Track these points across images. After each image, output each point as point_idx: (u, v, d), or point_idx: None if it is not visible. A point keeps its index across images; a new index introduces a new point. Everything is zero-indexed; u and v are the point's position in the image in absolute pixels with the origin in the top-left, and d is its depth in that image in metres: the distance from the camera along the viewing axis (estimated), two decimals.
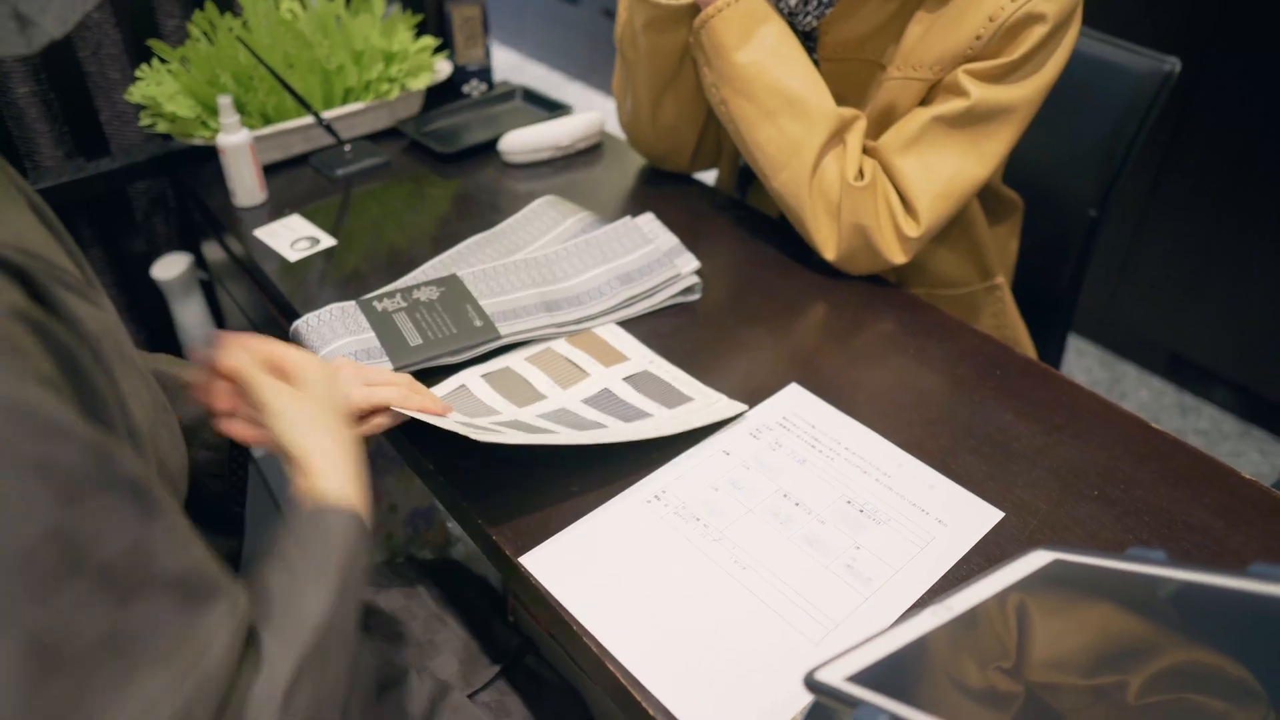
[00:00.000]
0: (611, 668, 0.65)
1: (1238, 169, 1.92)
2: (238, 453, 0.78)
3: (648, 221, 1.05)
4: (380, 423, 0.76)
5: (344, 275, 1.09)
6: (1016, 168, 1.28)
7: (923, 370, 0.94)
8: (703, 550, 0.73)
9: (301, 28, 1.29)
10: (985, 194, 1.19)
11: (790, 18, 1.04)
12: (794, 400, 0.88)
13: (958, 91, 0.98)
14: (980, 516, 0.77)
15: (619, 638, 0.66)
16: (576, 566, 0.72)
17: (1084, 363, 2.33)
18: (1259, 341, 2.00)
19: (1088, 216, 1.32)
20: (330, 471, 0.60)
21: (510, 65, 4.04)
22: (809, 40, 1.08)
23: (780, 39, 1.01)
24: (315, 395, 0.65)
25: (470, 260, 1.05)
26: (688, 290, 1.02)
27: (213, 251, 1.37)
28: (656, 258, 1.01)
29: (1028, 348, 1.28)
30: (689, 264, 1.02)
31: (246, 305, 1.31)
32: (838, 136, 1.02)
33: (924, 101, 1.03)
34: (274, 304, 1.10)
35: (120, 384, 0.48)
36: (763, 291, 1.05)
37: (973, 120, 0.98)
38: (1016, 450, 0.84)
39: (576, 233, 1.08)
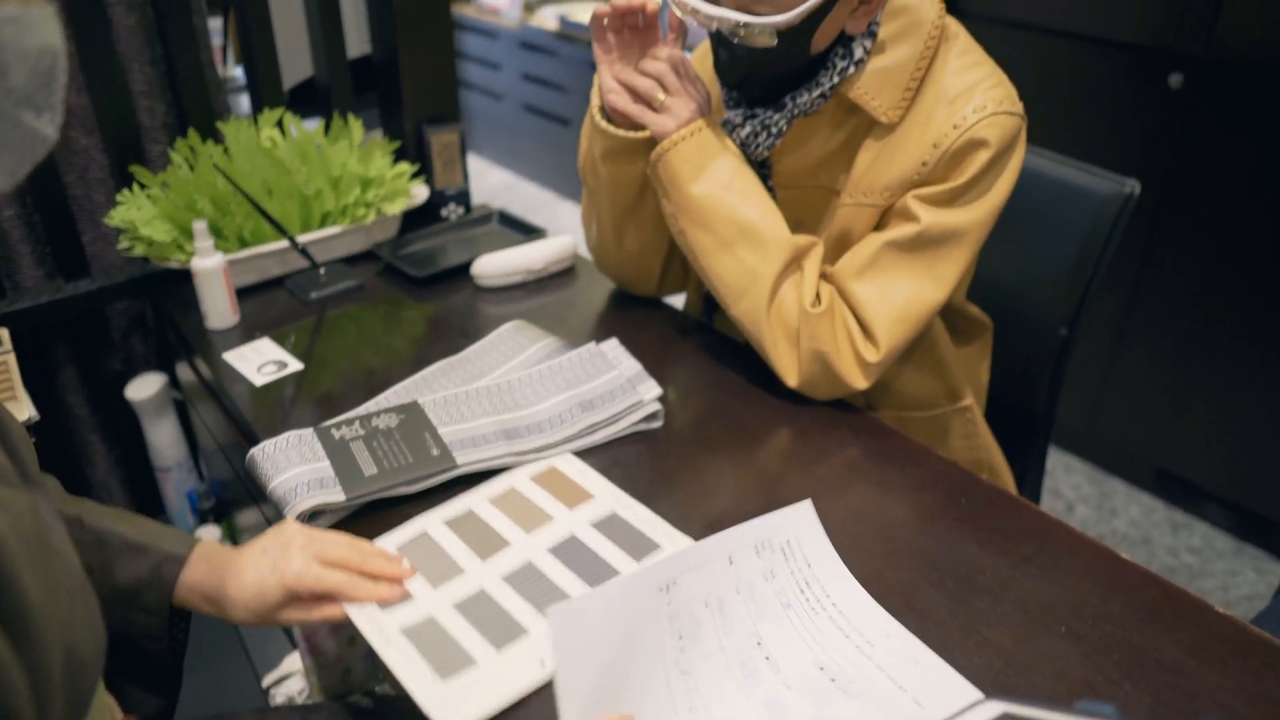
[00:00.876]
0: None
1: (1209, 283, 1.95)
2: (178, 616, 0.77)
3: (612, 348, 1.05)
4: (330, 614, 0.75)
5: (311, 399, 1.09)
6: (985, 288, 1.29)
7: (886, 499, 0.92)
8: (669, 682, 0.70)
9: (281, 155, 1.32)
10: (950, 315, 1.19)
11: (743, 148, 1.07)
12: (802, 523, 0.82)
13: (908, 217, 1.00)
14: (961, 699, 0.71)
15: None
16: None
17: (1072, 479, 2.30)
18: (1247, 456, 1.98)
19: (1059, 336, 1.32)
20: None
21: (503, 184, 4.14)
22: (763, 169, 1.11)
23: (735, 171, 1.03)
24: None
25: (434, 386, 1.05)
26: (650, 417, 1.01)
27: (186, 373, 1.37)
28: (619, 384, 1.01)
29: (1002, 469, 1.27)
30: (651, 391, 1.02)
31: (215, 428, 1.30)
32: (795, 264, 1.03)
33: (878, 227, 1.04)
34: (238, 428, 1.09)
35: (18, 577, 0.47)
36: (726, 419, 1.04)
37: (925, 244, 0.99)
38: (981, 584, 0.81)
39: (541, 358, 1.08)
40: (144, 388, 1.38)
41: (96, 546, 0.74)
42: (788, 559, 0.80)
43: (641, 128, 1.07)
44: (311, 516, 0.86)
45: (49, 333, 1.40)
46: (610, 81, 1.06)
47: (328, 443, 0.92)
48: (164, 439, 1.40)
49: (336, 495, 0.86)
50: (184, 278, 1.33)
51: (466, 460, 0.92)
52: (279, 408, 1.07)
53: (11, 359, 1.14)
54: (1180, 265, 1.98)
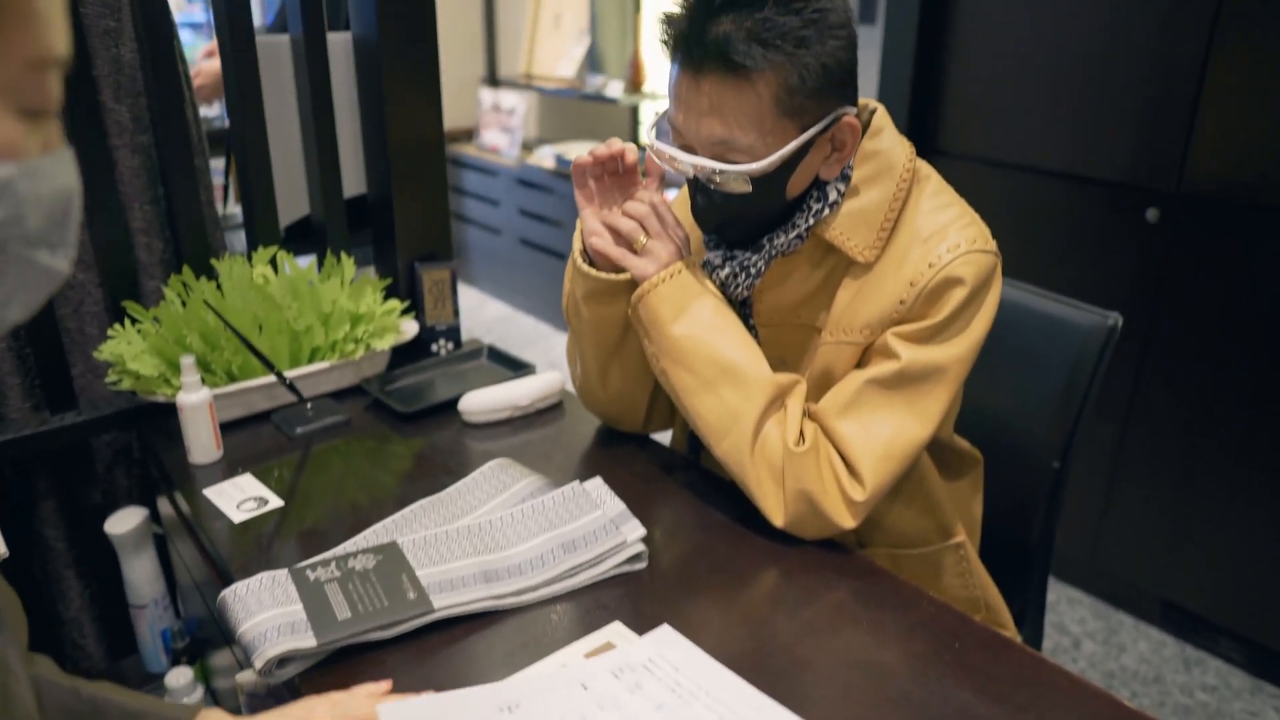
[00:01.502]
0: None
1: (1199, 410, 1.95)
2: None
3: (596, 486, 1.04)
4: None
5: (291, 537, 1.06)
6: (975, 422, 1.28)
7: (876, 645, 0.89)
8: None
9: (272, 291, 1.34)
10: (939, 449, 1.18)
11: (723, 288, 1.08)
12: (663, 643, 0.85)
13: (889, 354, 1.00)
14: None
15: None
16: None
17: (1076, 613, 2.24)
18: (1253, 587, 1.94)
19: (1051, 469, 1.31)
20: None
21: (500, 317, 4.20)
22: (744, 308, 1.12)
23: (715, 311, 1.04)
24: None
25: (415, 526, 1.03)
26: (634, 559, 0.99)
27: (167, 507, 1.35)
28: (602, 524, 0.99)
29: (998, 607, 1.24)
30: (635, 531, 0.99)
31: (193, 565, 1.27)
32: (778, 402, 1.03)
33: (859, 364, 1.05)
34: (213, 567, 1.06)
35: None
36: (712, 559, 1.02)
37: (906, 381, 0.99)
38: None
39: (525, 497, 1.06)
40: (124, 522, 1.35)
41: (92, 714, 0.72)
42: (652, 671, 0.81)
43: (622, 270, 1.08)
44: (281, 664, 0.83)
45: (32, 464, 1.38)
46: (593, 224, 1.08)
47: (302, 585, 0.89)
48: (141, 575, 1.36)
49: (307, 641, 0.83)
50: (170, 411, 1.33)
51: (444, 604, 0.89)
52: (256, 546, 1.05)
53: None
54: (1169, 393, 1.98)
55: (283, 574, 0.91)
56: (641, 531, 1.00)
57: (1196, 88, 1.82)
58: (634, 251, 1.06)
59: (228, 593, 0.88)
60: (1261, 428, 1.85)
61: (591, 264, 1.11)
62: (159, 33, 1.35)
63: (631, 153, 1.07)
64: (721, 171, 0.96)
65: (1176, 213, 1.89)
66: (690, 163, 0.97)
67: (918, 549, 1.16)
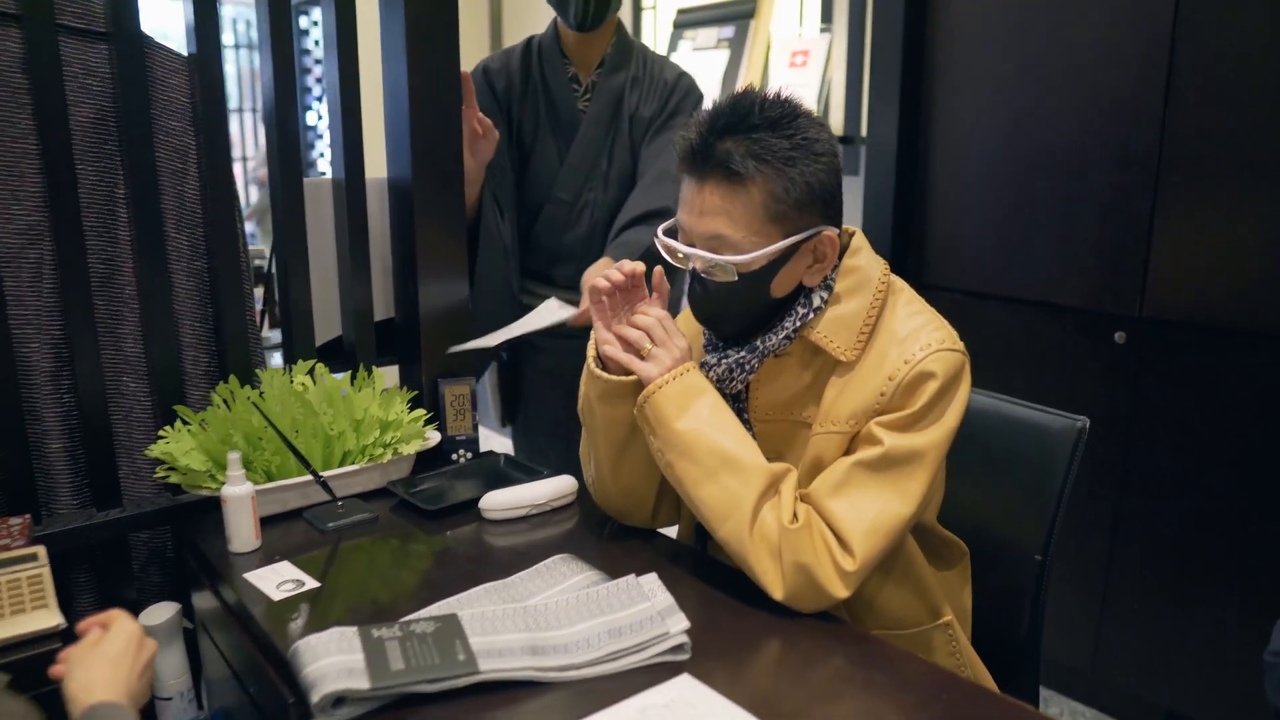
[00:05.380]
0: None
1: (1183, 520, 2.04)
2: None
3: (649, 581, 1.11)
4: None
5: (328, 613, 1.15)
6: (962, 519, 1.38)
7: (872, 700, 0.97)
8: None
9: (310, 398, 1.46)
10: (927, 537, 1.28)
11: (719, 384, 1.21)
12: (683, 688, 0.96)
13: (873, 441, 1.12)
14: None
15: None
16: None
17: None
18: (1258, 693, 1.97)
19: (1035, 561, 1.40)
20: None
21: None
22: (739, 404, 1.25)
23: (714, 407, 1.16)
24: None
25: (476, 604, 1.12)
26: (676, 649, 1.04)
27: (202, 600, 1.43)
28: (649, 615, 1.05)
29: (991, 688, 1.30)
30: (679, 624, 1.05)
31: (228, 650, 1.33)
32: (773, 488, 1.13)
33: (846, 452, 1.16)
34: (254, 642, 1.14)
35: None
36: (717, 630, 1.09)
37: (889, 464, 1.11)
38: None
39: (582, 588, 1.15)
40: (157, 615, 1.42)
41: None
42: (672, 709, 0.93)
43: (631, 373, 1.21)
44: (336, 704, 0.92)
45: (75, 558, 1.47)
46: (605, 334, 1.23)
47: (366, 639, 0.98)
48: (170, 668, 1.42)
49: (362, 683, 0.92)
50: (208, 508, 1.42)
51: (489, 668, 0.97)
52: (295, 622, 1.13)
53: (46, 571, 1.21)
54: (1151, 502, 2.09)
55: (350, 630, 1.00)
56: (685, 624, 1.05)
57: (1149, 223, 2.01)
58: (641, 357, 1.20)
59: (301, 643, 0.98)
60: (1244, 530, 1.94)
61: (604, 368, 1.24)
62: (220, 176, 1.52)
63: (640, 267, 1.23)
64: (714, 262, 1.12)
65: (1142, 334, 2.05)
66: (689, 253, 1.14)
67: (908, 630, 1.24)
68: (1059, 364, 2.22)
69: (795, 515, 1.12)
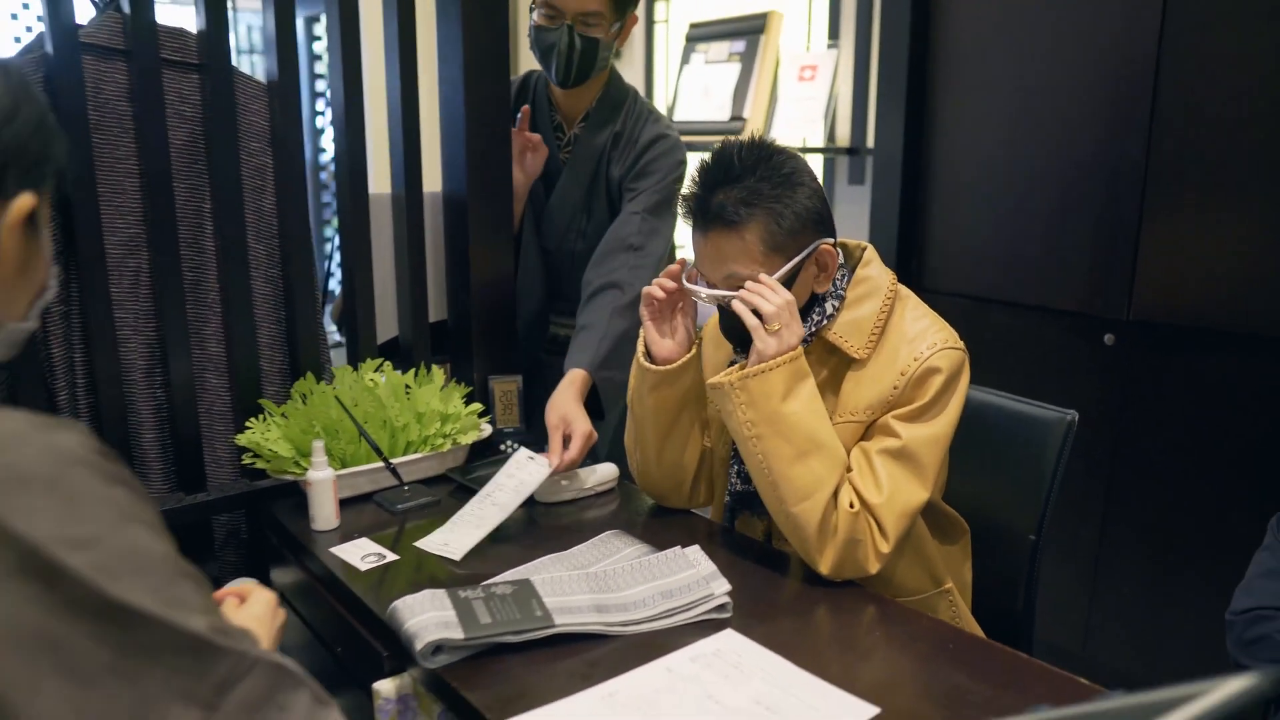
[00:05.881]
0: None
1: (1170, 510, 2.20)
2: None
3: (694, 551, 1.28)
4: None
5: (409, 585, 1.31)
6: (963, 503, 1.55)
7: (887, 648, 1.14)
8: None
9: (379, 393, 1.63)
10: (932, 514, 1.45)
11: None
12: (729, 638, 1.13)
13: (890, 433, 1.29)
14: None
15: None
16: None
17: None
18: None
19: (1029, 542, 1.56)
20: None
21: None
22: None
23: (813, 395, 1.29)
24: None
25: (544, 571, 1.29)
26: (720, 609, 1.21)
27: (282, 575, 1.59)
28: (696, 580, 1.22)
29: None
30: (722, 587, 1.22)
31: (313, 617, 1.49)
32: (843, 475, 1.29)
33: (863, 438, 1.33)
34: (346, 606, 1.30)
35: None
36: (753, 593, 1.26)
37: (908, 455, 1.28)
38: (970, 700, 1.01)
39: (634, 558, 1.32)
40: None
41: None
42: (721, 657, 1.11)
43: (673, 363, 1.39)
44: (435, 652, 1.08)
45: None
46: (655, 335, 1.42)
47: (454, 599, 1.15)
48: None
49: (457, 634, 1.08)
50: (288, 492, 1.59)
51: (563, 622, 1.13)
52: (380, 588, 1.30)
53: None
54: (1140, 494, 2.25)
55: (440, 591, 1.16)
56: (727, 587, 1.22)
57: (1136, 232, 2.18)
58: (764, 331, 1.28)
59: (399, 602, 1.14)
60: (1225, 517, 2.11)
61: (651, 362, 1.41)
62: (293, 191, 1.69)
63: (684, 268, 1.39)
64: (732, 298, 1.29)
65: (1131, 336, 2.21)
66: (710, 294, 1.32)
67: (913, 597, 1.41)
68: (1054, 364, 2.39)
69: (851, 502, 1.27)
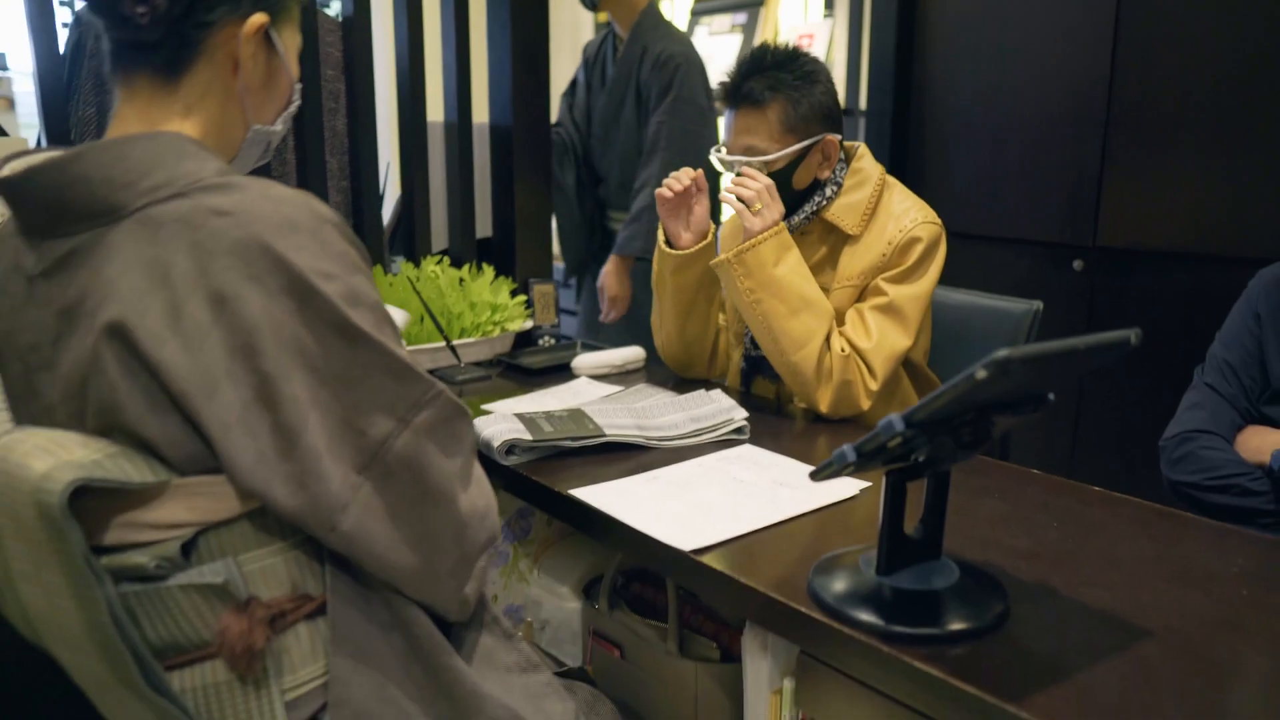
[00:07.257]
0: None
1: (1134, 420, 2.46)
2: None
3: (716, 391, 1.55)
4: None
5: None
6: (946, 378, 1.80)
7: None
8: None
9: (440, 283, 1.88)
10: (916, 375, 1.70)
11: None
12: (748, 451, 1.38)
13: (879, 293, 1.55)
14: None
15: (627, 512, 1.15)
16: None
17: None
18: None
19: None
20: None
21: None
22: None
23: (800, 260, 1.55)
24: None
25: (590, 406, 1.54)
26: (740, 430, 1.46)
27: None
28: (719, 408, 1.48)
29: None
30: (740, 413, 1.48)
31: None
32: (832, 325, 1.54)
33: (858, 299, 1.59)
34: None
35: None
36: (764, 425, 1.52)
37: (894, 309, 1.54)
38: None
39: (667, 399, 1.57)
40: None
41: None
42: (743, 456, 1.35)
43: (690, 248, 1.64)
44: (508, 451, 1.34)
45: None
46: (672, 224, 1.65)
47: (521, 417, 1.40)
48: None
49: (526, 436, 1.34)
50: None
51: (612, 433, 1.39)
52: None
53: None
54: (1105, 404, 2.52)
55: (509, 412, 1.42)
56: (744, 414, 1.47)
57: (1099, 170, 2.45)
58: (750, 213, 1.54)
59: (479, 419, 1.39)
60: None
61: (671, 247, 1.66)
62: (363, 113, 1.95)
63: (694, 173, 1.63)
64: (749, 163, 1.55)
65: (1097, 260, 2.48)
66: (732, 160, 1.58)
67: None
68: (1031, 288, 2.62)
69: (842, 347, 1.53)
